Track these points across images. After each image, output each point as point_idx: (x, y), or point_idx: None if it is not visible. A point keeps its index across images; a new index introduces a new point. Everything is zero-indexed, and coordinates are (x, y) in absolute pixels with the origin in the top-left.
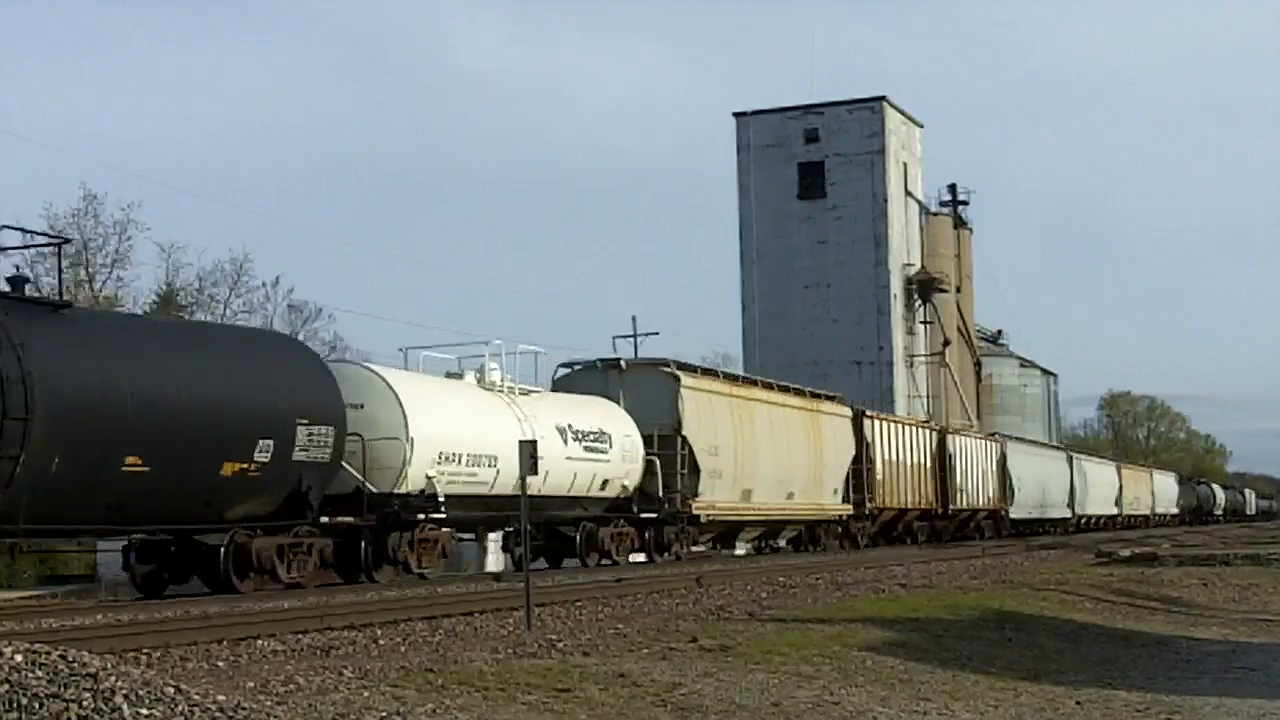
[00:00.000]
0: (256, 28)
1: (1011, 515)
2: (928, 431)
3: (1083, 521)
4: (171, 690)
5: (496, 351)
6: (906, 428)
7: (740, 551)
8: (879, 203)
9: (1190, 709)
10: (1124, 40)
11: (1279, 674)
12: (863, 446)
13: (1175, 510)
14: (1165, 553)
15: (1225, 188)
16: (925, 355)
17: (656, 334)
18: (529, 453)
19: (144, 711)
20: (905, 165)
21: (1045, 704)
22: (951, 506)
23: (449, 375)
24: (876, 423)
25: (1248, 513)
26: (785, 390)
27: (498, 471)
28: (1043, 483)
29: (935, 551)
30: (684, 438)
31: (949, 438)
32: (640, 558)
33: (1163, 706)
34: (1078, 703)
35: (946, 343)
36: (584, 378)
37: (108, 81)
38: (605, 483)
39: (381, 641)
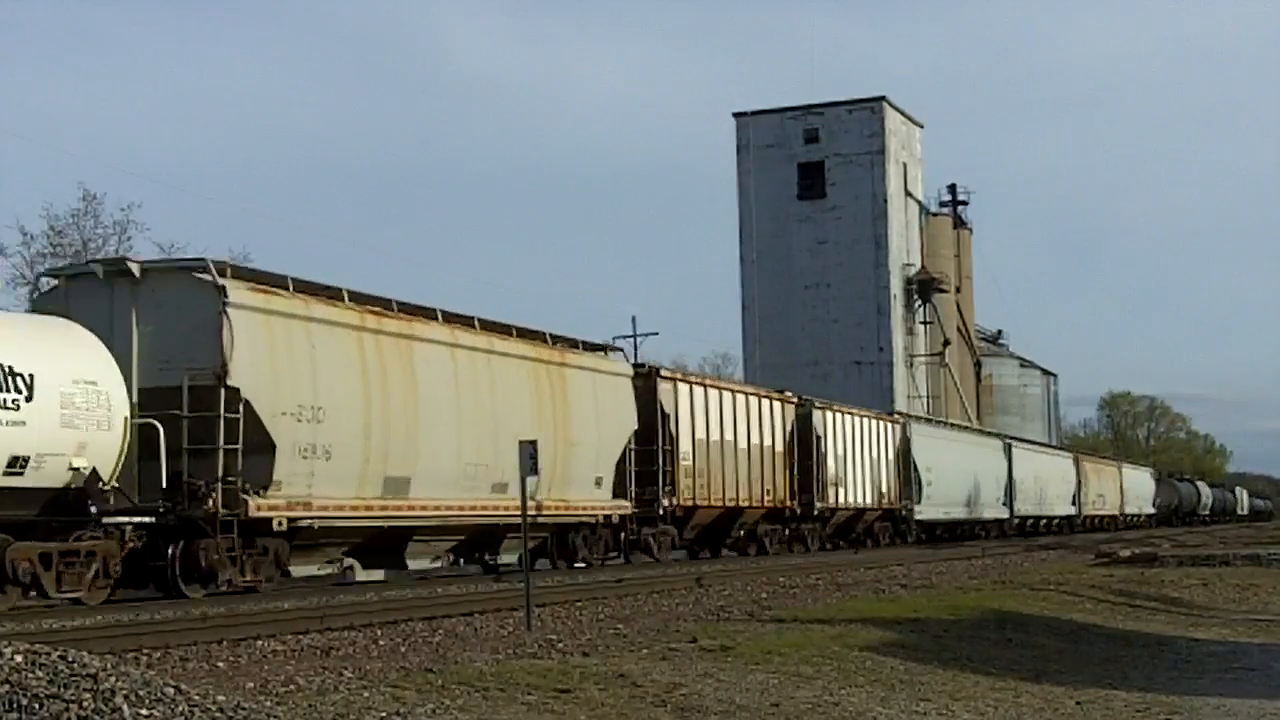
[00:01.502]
0: (256, 28)
1: (919, 517)
2: (779, 405)
3: (1027, 524)
4: (171, 690)
5: None
6: (737, 397)
7: (373, 576)
8: (879, 203)
9: (1190, 709)
10: (1124, 40)
11: (1279, 674)
12: (659, 420)
13: (1151, 510)
14: (1165, 553)
15: (1225, 188)
16: (925, 355)
17: (656, 334)
18: (529, 453)
19: (144, 712)
20: (905, 165)
21: (1045, 704)
22: (819, 504)
23: None
24: (681, 388)
25: (1239, 513)
26: (498, 331)
27: None
28: (966, 476)
29: (934, 552)
30: (234, 390)
31: (816, 414)
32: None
33: (1163, 707)
34: (1078, 703)
35: (946, 343)
36: (80, 293)
37: (108, 81)
38: (19, 462)
39: (381, 642)
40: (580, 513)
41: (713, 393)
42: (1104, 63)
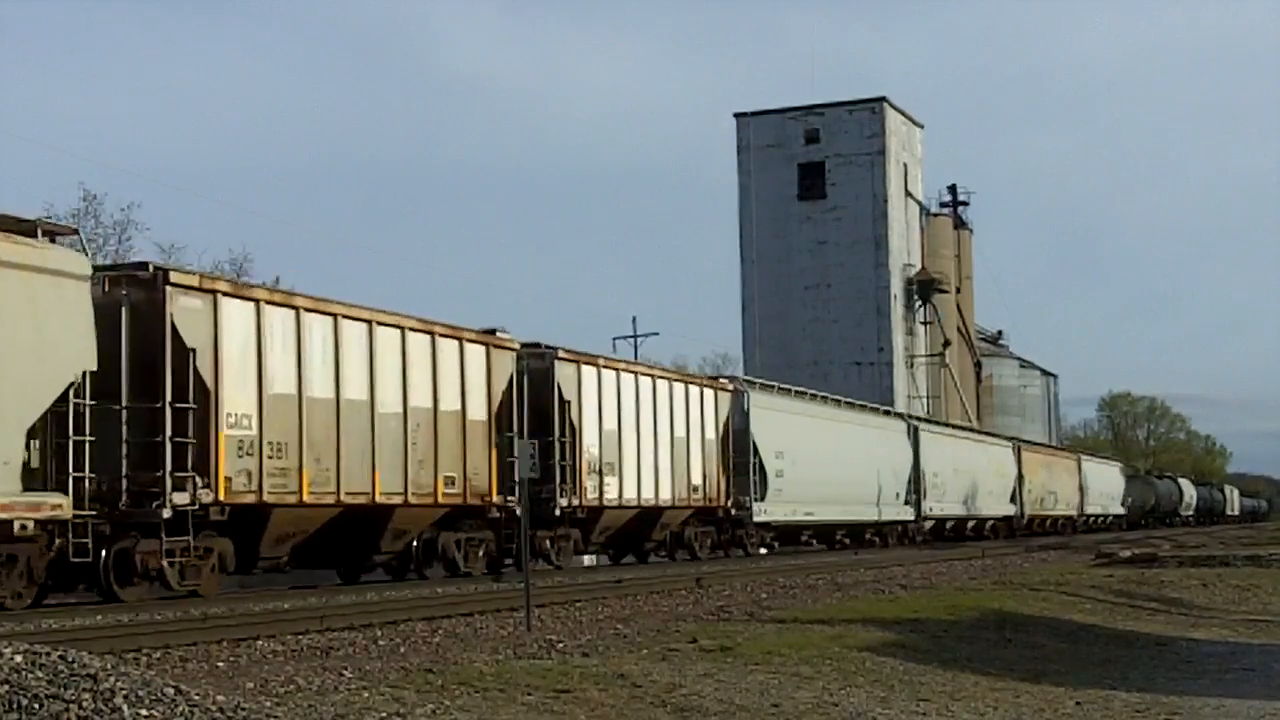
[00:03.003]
0: (256, 28)
1: (762, 518)
2: (478, 351)
3: (946, 528)
4: (171, 691)
5: None
6: (379, 332)
7: None
8: (879, 203)
9: (1190, 709)
10: (1124, 40)
11: (1278, 674)
12: (166, 361)
13: (1120, 510)
14: (1165, 554)
15: (1225, 188)
16: (925, 356)
17: (656, 334)
18: (528, 453)
19: (144, 712)
20: (905, 166)
21: (1045, 704)
22: (567, 501)
23: None
24: (229, 308)
25: (1229, 513)
26: None
27: None
28: (844, 465)
29: (934, 552)
30: None
31: (561, 369)
32: None
33: (1162, 707)
34: (1077, 703)
35: (947, 343)
36: None
37: (108, 81)
38: None
39: (381, 642)
40: None
41: (316, 321)
42: (1104, 63)
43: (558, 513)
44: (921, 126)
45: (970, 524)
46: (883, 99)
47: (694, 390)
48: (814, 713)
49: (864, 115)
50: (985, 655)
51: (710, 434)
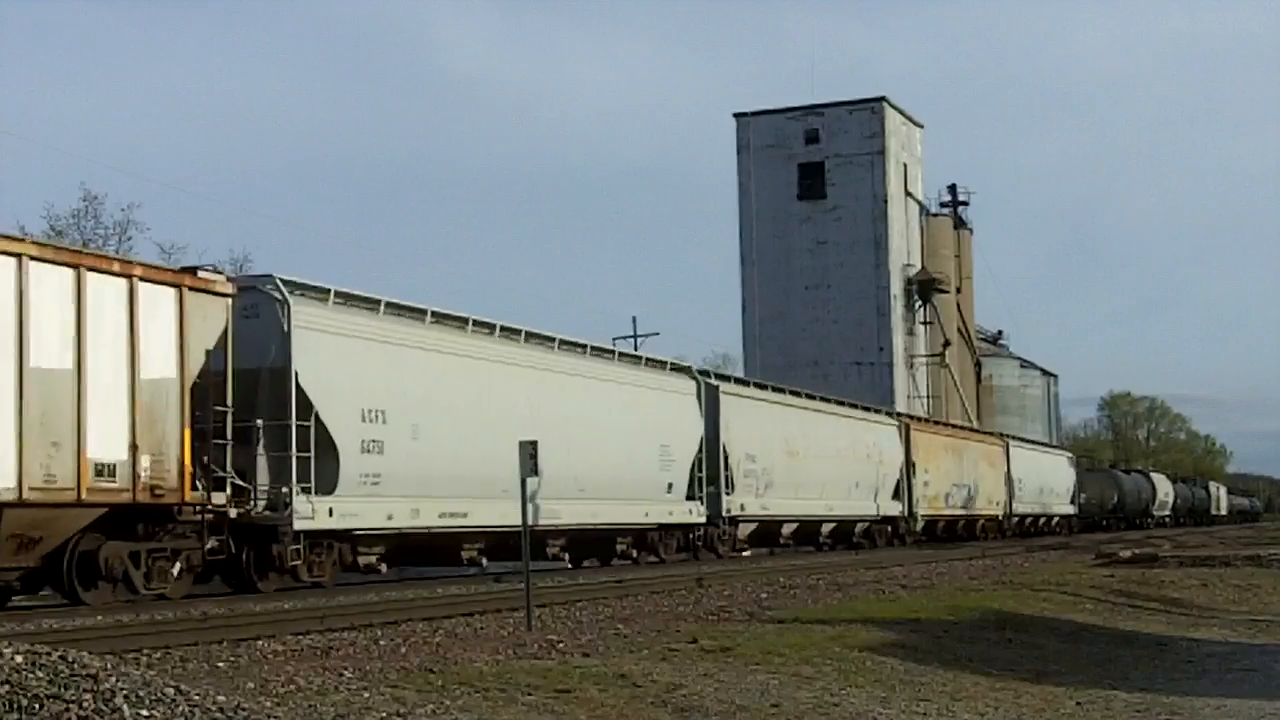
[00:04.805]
0: (256, 29)
1: (317, 524)
2: None
3: (782, 532)
4: (171, 691)
5: None
6: None
7: None
8: (879, 203)
9: (1190, 710)
10: (1124, 40)
11: (1279, 674)
12: None
13: (1069, 509)
14: (1166, 554)
15: (1226, 187)
16: (925, 356)
17: (657, 334)
18: (529, 453)
19: (144, 712)
20: (905, 166)
21: (1045, 705)
22: None
23: None
24: None
25: (1215, 513)
26: None
27: None
28: (554, 440)
29: (935, 552)
30: None
31: None
32: None
33: (1163, 707)
34: (1078, 703)
35: (947, 343)
36: None
37: (108, 81)
38: None
39: (382, 642)
40: None
41: None
42: (1104, 63)
43: None
44: (921, 126)
45: (826, 527)
46: (882, 99)
47: (105, 287)
48: (814, 713)
49: (864, 115)
50: (986, 655)
51: (165, 370)
